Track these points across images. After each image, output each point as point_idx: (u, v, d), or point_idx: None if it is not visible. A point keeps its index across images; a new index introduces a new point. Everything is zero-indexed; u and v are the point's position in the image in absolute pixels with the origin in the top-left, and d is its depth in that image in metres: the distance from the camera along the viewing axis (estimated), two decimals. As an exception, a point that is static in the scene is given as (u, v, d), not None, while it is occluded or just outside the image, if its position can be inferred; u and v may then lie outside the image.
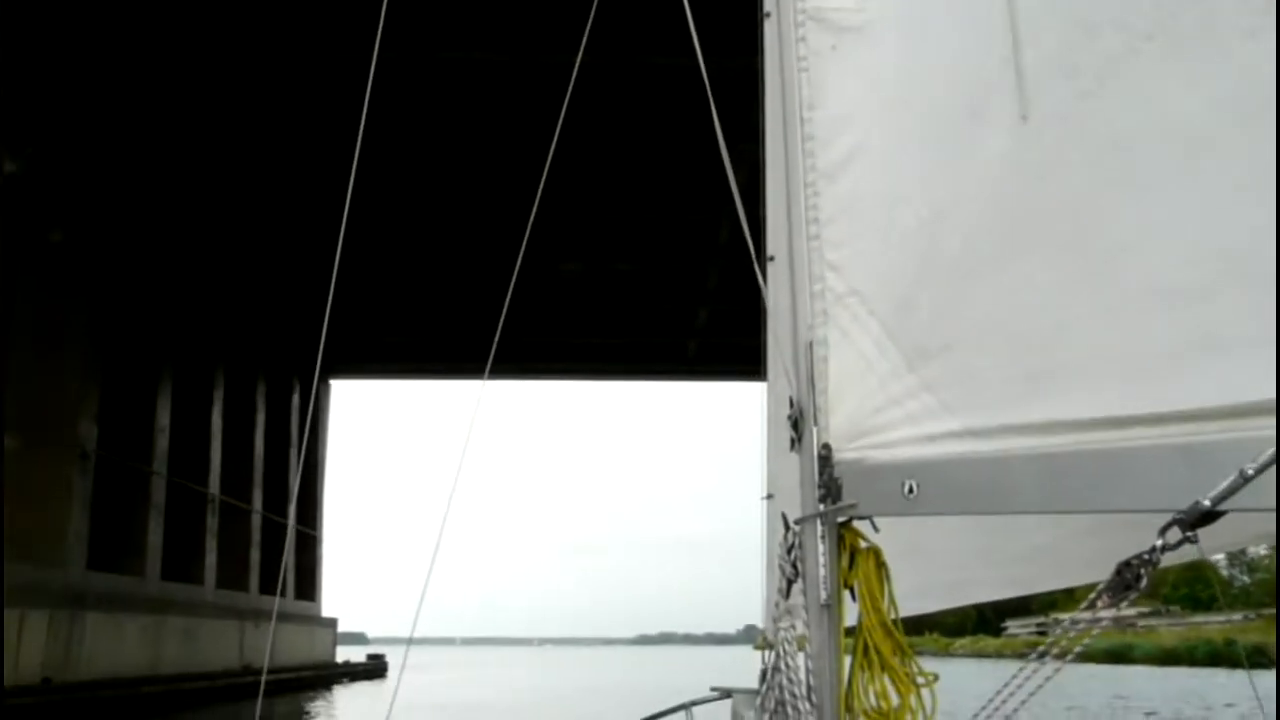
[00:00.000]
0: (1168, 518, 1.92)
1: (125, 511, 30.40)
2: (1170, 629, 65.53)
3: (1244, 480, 1.81)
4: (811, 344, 2.55)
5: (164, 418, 32.82)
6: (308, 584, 49.09)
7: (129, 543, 30.61)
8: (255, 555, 41.73)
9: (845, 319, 2.52)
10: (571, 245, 33.31)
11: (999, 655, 68.26)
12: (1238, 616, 63.14)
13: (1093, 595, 2.01)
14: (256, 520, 41.96)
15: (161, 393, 32.67)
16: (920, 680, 2.49)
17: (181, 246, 32.90)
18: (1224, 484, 1.83)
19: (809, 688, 2.48)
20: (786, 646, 2.52)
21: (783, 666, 2.50)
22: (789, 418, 2.57)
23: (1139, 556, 1.94)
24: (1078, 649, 2.20)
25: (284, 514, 44.16)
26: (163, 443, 32.65)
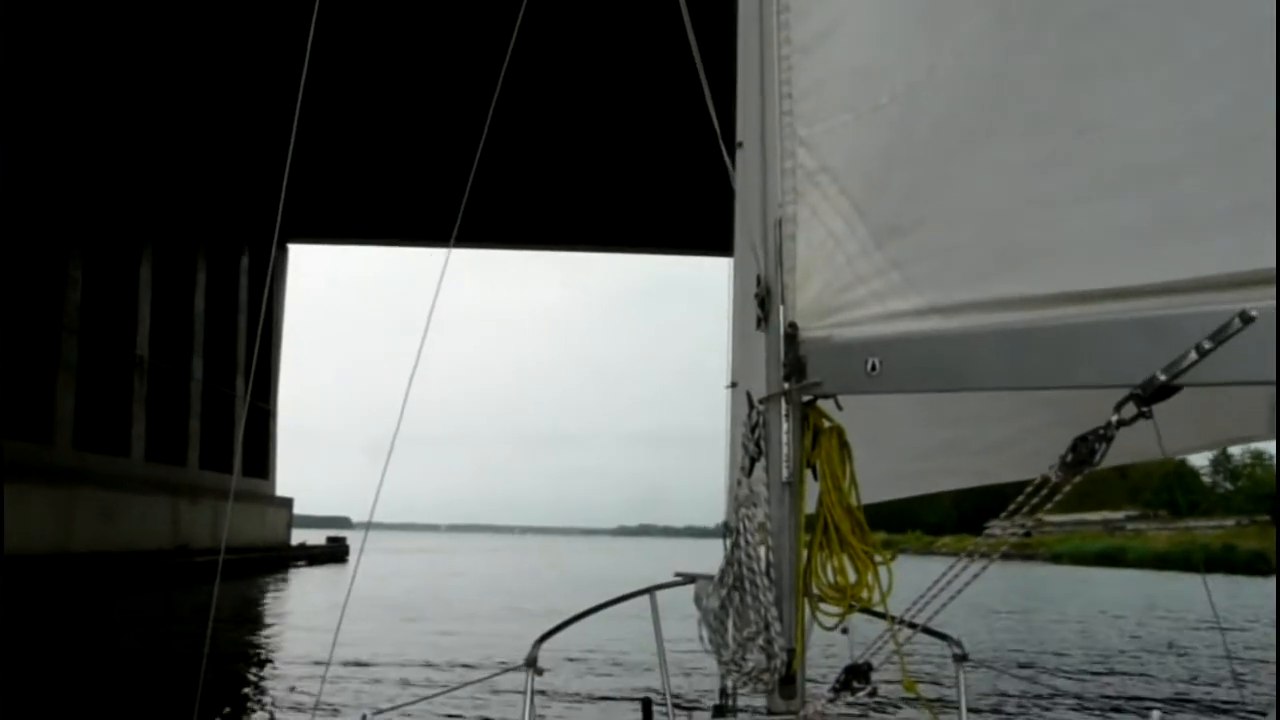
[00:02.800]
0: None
1: (27, 369, 26.55)
2: (1157, 533, 66.43)
3: (1200, 354, 1.81)
4: (780, 222, 2.52)
5: (76, 268, 28.84)
6: (259, 460, 45.67)
7: (32, 405, 26.88)
8: (195, 426, 38.44)
9: (815, 197, 2.49)
10: (544, 113, 31.97)
11: (982, 555, 69.19)
12: (1230, 522, 63.90)
13: (1049, 469, 2.02)
14: (196, 388, 38.52)
15: (76, 241, 28.59)
16: (877, 559, 2.53)
17: (119, 94, 29.47)
18: (1180, 357, 1.83)
19: (768, 564, 2.50)
20: (747, 524, 2.53)
21: (742, 544, 2.52)
22: (756, 296, 2.55)
23: (1094, 431, 1.96)
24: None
25: (231, 384, 41.32)
26: (75, 296, 28.81)
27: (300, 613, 25.22)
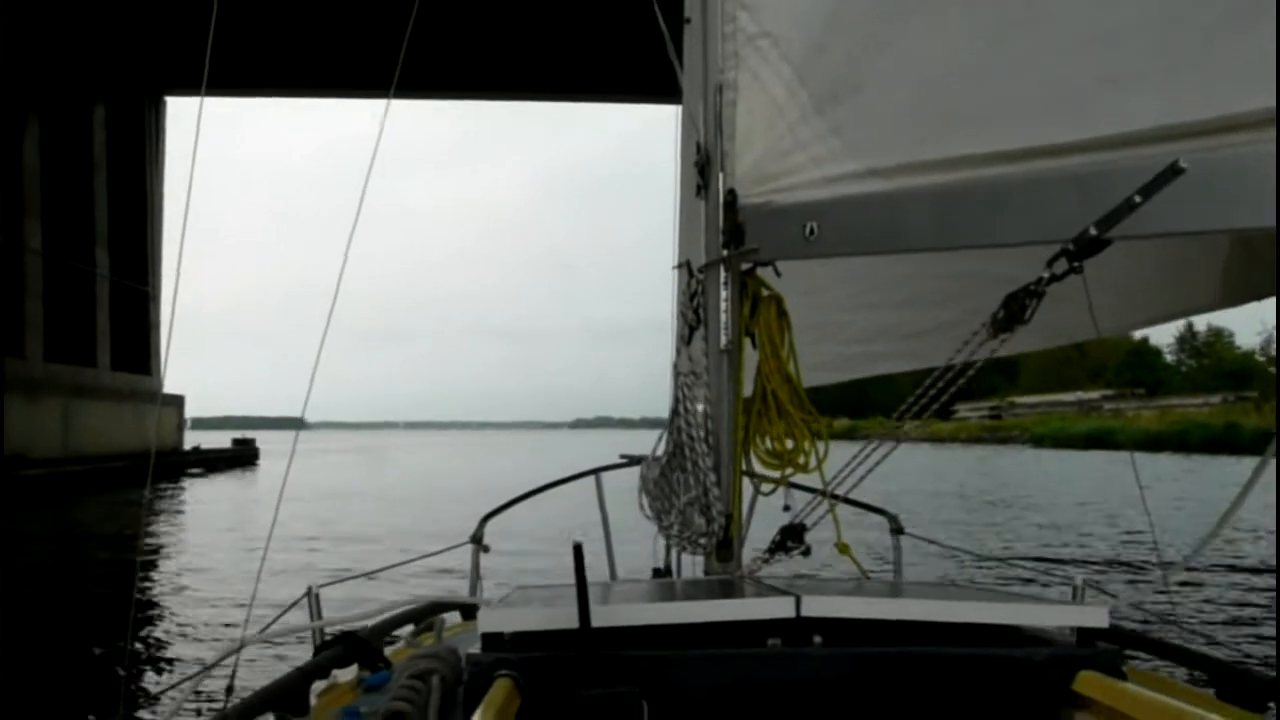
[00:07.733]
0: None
1: None
2: (1139, 413, 64.98)
3: (1131, 208, 1.82)
4: (721, 88, 2.49)
5: None
6: (135, 352, 37.39)
7: None
8: (36, 309, 31.00)
9: (756, 61, 2.45)
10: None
11: (953, 439, 67.71)
12: (1216, 399, 62.53)
13: (983, 324, 2.04)
14: (35, 261, 30.85)
15: None
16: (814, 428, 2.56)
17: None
18: (1111, 212, 1.84)
19: (707, 431, 2.52)
20: (686, 393, 2.54)
21: (681, 411, 2.53)
22: (695, 164, 2.53)
23: (1025, 288, 1.97)
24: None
25: (90, 259, 34.13)
26: None
27: (179, 529, 19.51)
